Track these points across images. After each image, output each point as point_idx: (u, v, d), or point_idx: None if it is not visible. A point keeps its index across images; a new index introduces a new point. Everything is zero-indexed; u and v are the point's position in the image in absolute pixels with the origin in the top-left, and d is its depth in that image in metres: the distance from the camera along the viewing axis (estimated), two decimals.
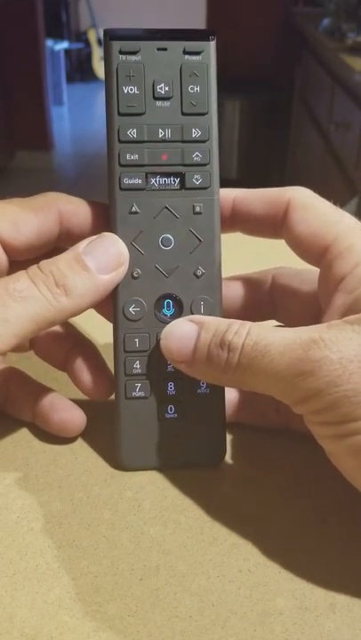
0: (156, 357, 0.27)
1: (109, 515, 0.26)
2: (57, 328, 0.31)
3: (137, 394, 0.27)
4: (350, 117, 1.64)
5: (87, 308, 0.26)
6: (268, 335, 0.23)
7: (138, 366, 0.27)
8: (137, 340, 0.27)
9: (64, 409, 0.29)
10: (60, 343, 0.30)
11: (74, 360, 0.30)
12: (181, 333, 0.26)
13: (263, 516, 0.26)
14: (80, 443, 0.30)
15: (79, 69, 4.87)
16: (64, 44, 4.12)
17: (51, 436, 0.30)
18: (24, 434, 0.30)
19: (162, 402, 0.28)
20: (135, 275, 0.27)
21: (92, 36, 4.59)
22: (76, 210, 0.27)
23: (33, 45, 3.10)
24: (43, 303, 0.25)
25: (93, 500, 0.27)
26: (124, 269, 0.26)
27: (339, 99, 1.78)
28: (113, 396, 0.28)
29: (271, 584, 0.23)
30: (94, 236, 0.26)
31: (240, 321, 0.25)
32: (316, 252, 0.26)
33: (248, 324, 0.24)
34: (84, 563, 0.24)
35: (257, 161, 2.79)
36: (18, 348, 0.31)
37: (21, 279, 0.25)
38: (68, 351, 0.30)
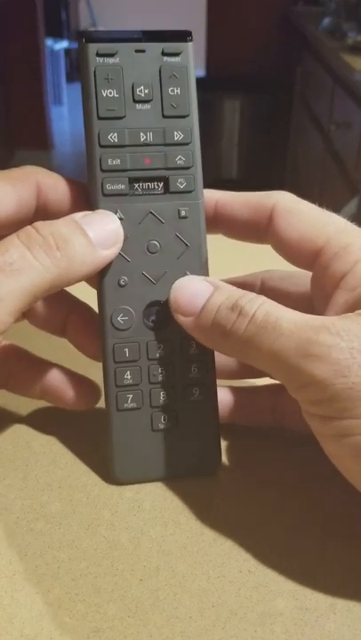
0: (147, 367, 0.27)
1: (109, 515, 0.26)
2: (52, 294, 0.30)
3: (129, 405, 0.27)
4: (351, 117, 1.64)
5: (82, 279, 0.25)
6: (280, 310, 0.23)
7: (129, 377, 0.27)
8: (127, 349, 0.26)
9: (76, 383, 0.29)
10: (57, 309, 0.29)
11: (73, 325, 0.29)
12: (194, 288, 0.25)
13: (263, 516, 0.26)
14: (80, 443, 0.30)
15: (79, 69, 4.86)
16: (64, 44, 4.11)
17: (50, 435, 0.30)
18: (23, 434, 0.30)
19: (155, 412, 0.27)
20: (122, 283, 0.26)
21: None
22: (55, 184, 0.26)
23: (33, 45, 3.10)
24: (39, 272, 0.23)
25: (93, 501, 0.27)
26: (118, 248, 0.26)
27: (339, 98, 1.78)
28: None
29: (271, 585, 0.23)
30: (88, 212, 0.25)
31: (254, 293, 0.24)
32: (307, 255, 0.26)
33: (263, 297, 0.24)
34: (83, 563, 0.24)
35: (257, 161, 2.79)
36: None
37: (11, 249, 0.23)
38: (65, 317, 0.29)
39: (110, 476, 0.28)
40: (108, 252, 0.25)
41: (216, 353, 0.28)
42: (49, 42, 3.63)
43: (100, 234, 0.25)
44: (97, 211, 0.26)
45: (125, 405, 0.27)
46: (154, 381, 0.27)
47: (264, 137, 2.77)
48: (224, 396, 0.29)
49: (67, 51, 4.16)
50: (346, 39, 1.86)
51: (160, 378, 0.27)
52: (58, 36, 4.07)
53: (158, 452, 0.27)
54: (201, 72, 2.84)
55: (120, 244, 0.26)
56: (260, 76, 2.76)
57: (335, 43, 1.89)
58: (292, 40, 2.57)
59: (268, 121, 2.75)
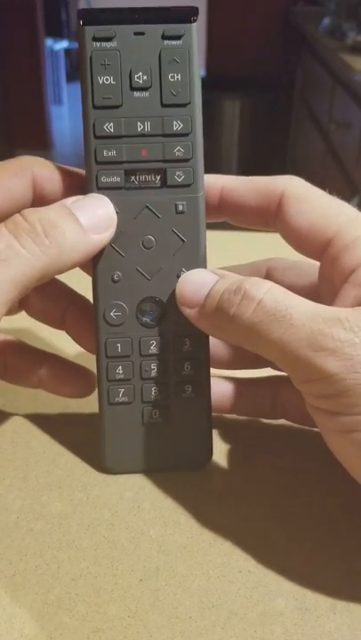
0: (139, 362, 0.27)
1: (109, 515, 0.26)
2: (50, 286, 0.29)
3: (120, 399, 0.27)
4: (351, 117, 1.64)
5: (75, 266, 0.25)
6: (290, 298, 0.23)
7: (120, 371, 0.27)
8: (119, 344, 0.26)
9: (72, 373, 0.29)
10: (56, 302, 0.29)
11: (72, 318, 0.29)
12: (199, 279, 0.25)
13: (263, 516, 0.26)
14: (80, 443, 0.30)
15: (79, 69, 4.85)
16: (64, 44, 4.10)
17: (50, 435, 0.30)
18: (23, 434, 0.30)
19: (146, 407, 0.27)
20: (116, 278, 0.26)
21: None
22: (51, 175, 0.26)
23: (33, 45, 3.10)
24: (28, 261, 0.22)
25: (93, 501, 0.27)
26: (111, 233, 0.25)
27: (339, 98, 1.78)
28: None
29: (271, 585, 0.23)
30: (80, 196, 0.25)
31: (258, 277, 0.24)
32: (316, 245, 0.26)
33: (270, 282, 0.23)
34: (83, 563, 0.24)
35: (257, 161, 2.79)
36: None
37: None
38: (64, 309, 0.29)
39: (101, 464, 0.28)
40: (101, 237, 0.25)
41: (217, 343, 0.28)
42: (49, 42, 3.63)
43: (91, 218, 0.24)
44: (89, 195, 0.25)
45: (117, 399, 0.27)
46: (146, 377, 0.27)
47: (264, 137, 2.77)
48: (224, 388, 0.29)
49: (67, 51, 4.15)
50: (346, 39, 1.86)
51: (152, 374, 0.27)
52: (58, 35, 4.06)
53: (148, 445, 0.27)
54: (201, 72, 2.84)
55: (113, 229, 0.25)
56: (260, 76, 2.76)
57: (335, 43, 1.89)
58: (292, 40, 2.57)
59: (268, 121, 2.75)
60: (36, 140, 3.24)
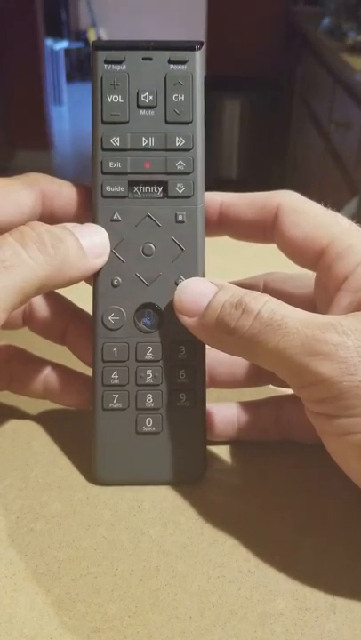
0: (135, 368, 0.27)
1: (109, 515, 0.26)
2: (53, 302, 0.30)
3: (114, 405, 0.27)
4: (351, 117, 1.64)
5: (71, 283, 0.25)
6: (286, 308, 0.23)
7: (116, 376, 0.27)
8: (115, 349, 0.27)
9: (77, 382, 0.29)
10: (58, 317, 0.30)
11: (72, 333, 0.29)
12: (198, 289, 0.25)
13: (264, 516, 0.26)
14: (80, 443, 0.30)
15: (79, 69, 4.86)
16: (64, 44, 4.11)
17: (50, 435, 0.30)
18: (23, 434, 0.30)
19: (140, 414, 0.27)
20: (115, 283, 0.26)
21: (92, 36, 4.58)
22: (60, 191, 0.27)
23: (33, 45, 3.10)
24: (31, 268, 0.23)
25: (93, 501, 0.27)
26: (103, 260, 0.26)
27: (339, 98, 1.78)
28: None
29: (272, 585, 0.23)
30: (77, 224, 0.26)
31: (257, 292, 0.24)
32: (311, 255, 0.26)
33: (267, 295, 0.24)
34: (83, 563, 0.24)
35: (257, 161, 2.79)
36: (10, 325, 0.30)
37: (4, 246, 0.23)
38: (65, 325, 0.30)
39: (92, 475, 0.28)
40: (96, 262, 0.26)
41: (219, 362, 0.28)
42: (49, 42, 3.63)
43: (89, 242, 0.25)
44: (85, 224, 0.26)
45: (111, 405, 0.27)
46: (141, 383, 0.27)
47: (264, 137, 2.77)
48: (228, 414, 0.29)
49: (67, 51, 4.16)
50: (346, 39, 1.87)
51: (147, 380, 0.27)
52: (58, 35, 4.07)
53: (141, 455, 0.27)
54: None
55: (106, 257, 0.26)
56: (260, 76, 2.76)
57: (335, 43, 1.89)
58: (292, 40, 2.57)
59: (268, 121, 2.75)
60: (36, 141, 3.24)
